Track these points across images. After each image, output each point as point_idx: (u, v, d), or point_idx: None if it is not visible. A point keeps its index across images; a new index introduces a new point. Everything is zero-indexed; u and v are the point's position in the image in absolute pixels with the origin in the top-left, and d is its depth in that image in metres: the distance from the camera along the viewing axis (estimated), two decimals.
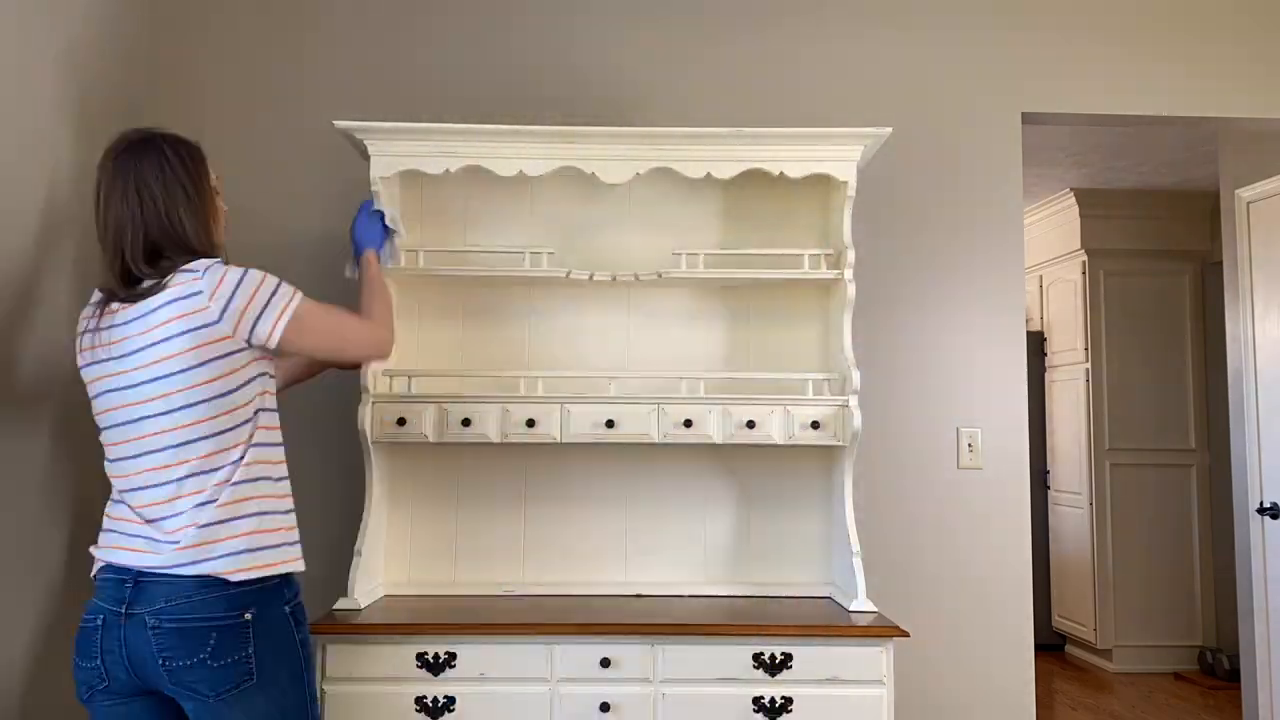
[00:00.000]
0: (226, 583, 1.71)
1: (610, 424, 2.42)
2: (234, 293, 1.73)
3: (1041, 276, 5.99)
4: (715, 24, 2.88)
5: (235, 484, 1.75)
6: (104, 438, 1.83)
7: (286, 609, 1.79)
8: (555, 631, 2.21)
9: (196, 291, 1.72)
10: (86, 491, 2.53)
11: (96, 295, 1.84)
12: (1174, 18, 2.95)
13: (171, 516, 1.73)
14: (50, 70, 2.37)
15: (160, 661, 1.68)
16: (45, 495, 2.37)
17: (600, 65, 2.85)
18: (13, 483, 2.25)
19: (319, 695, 2.14)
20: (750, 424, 2.43)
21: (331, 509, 2.65)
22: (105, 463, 1.84)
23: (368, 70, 2.83)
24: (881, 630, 2.22)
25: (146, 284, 1.75)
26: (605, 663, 2.19)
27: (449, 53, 2.85)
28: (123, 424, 1.77)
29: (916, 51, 2.90)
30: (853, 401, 2.42)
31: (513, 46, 2.86)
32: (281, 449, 1.89)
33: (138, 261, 1.77)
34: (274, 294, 1.78)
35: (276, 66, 2.83)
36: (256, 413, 1.82)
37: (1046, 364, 5.94)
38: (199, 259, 1.78)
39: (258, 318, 1.75)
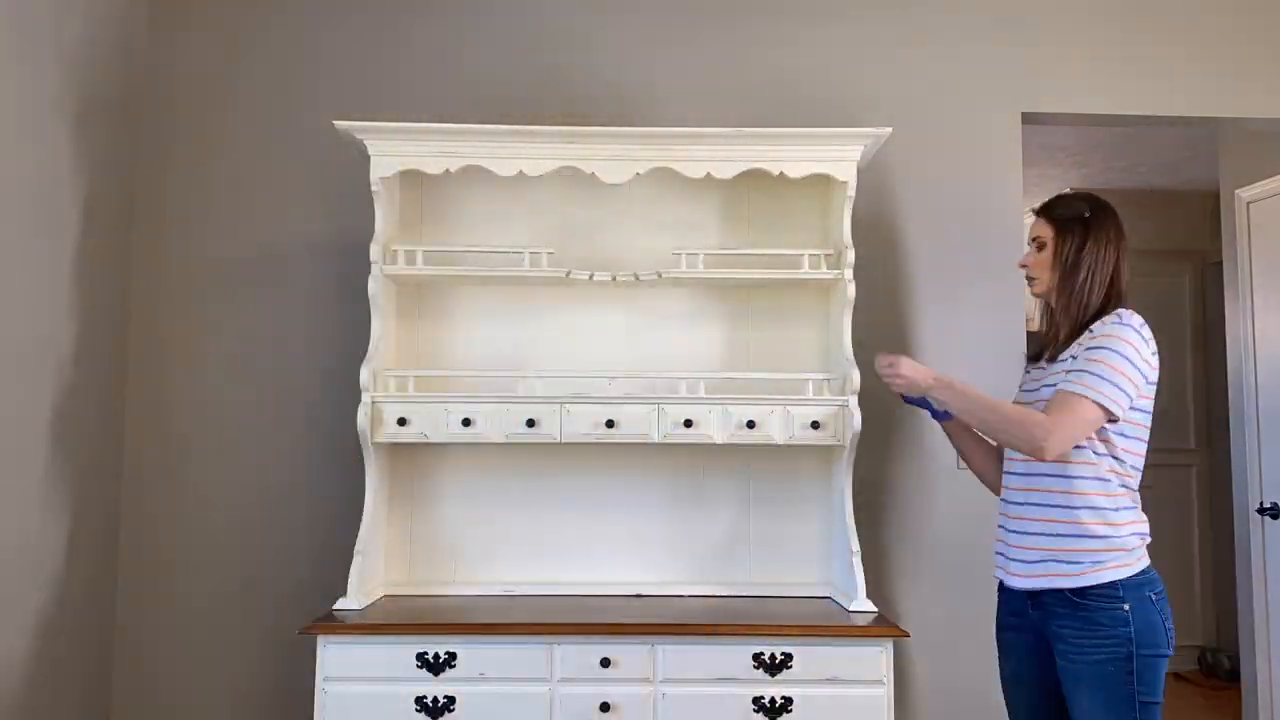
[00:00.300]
0: None
1: (610, 424, 2.42)
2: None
3: None
4: (716, 24, 2.88)
5: None
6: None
7: None
8: (555, 631, 2.21)
9: None
10: (86, 492, 2.53)
11: None
12: (1174, 18, 2.95)
13: None
14: (49, 70, 2.37)
15: None
16: (45, 495, 2.37)
17: (600, 65, 2.85)
18: (13, 483, 2.26)
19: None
20: (750, 424, 2.43)
21: (331, 509, 2.65)
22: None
23: (368, 70, 2.82)
24: (881, 630, 2.22)
25: None
26: (605, 663, 2.19)
27: (449, 53, 2.85)
28: None
29: (917, 51, 2.90)
30: (852, 402, 2.42)
31: (513, 46, 2.85)
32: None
33: None
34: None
35: (276, 66, 2.83)
36: None
37: None
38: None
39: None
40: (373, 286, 2.44)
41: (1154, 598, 1.90)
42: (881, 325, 2.80)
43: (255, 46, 2.83)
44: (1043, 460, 1.91)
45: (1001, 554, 2.07)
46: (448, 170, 2.47)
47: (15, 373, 2.25)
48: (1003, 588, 2.10)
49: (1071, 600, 1.90)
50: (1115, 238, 2.01)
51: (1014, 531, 2.03)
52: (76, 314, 2.47)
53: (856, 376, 2.43)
